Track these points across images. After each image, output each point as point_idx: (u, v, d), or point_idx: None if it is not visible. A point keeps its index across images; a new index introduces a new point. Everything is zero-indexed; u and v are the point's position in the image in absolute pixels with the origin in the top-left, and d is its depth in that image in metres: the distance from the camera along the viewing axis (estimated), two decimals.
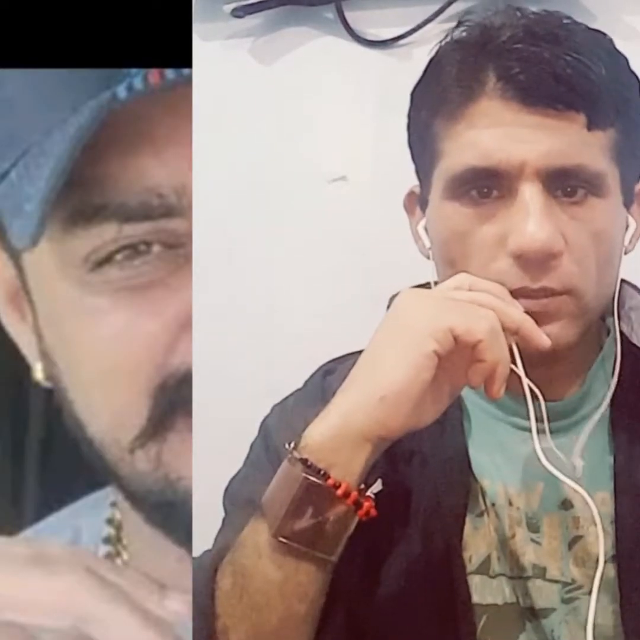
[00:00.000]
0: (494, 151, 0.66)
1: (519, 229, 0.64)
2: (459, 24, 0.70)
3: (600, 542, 0.64)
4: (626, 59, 0.70)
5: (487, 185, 0.67)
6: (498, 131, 0.66)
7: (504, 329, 0.61)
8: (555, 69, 0.64)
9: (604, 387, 0.72)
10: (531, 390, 0.66)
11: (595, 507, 0.65)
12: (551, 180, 0.65)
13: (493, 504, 0.70)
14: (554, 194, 0.66)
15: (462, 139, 0.67)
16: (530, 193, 0.65)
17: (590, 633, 0.63)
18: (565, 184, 0.66)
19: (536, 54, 0.65)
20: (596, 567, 0.64)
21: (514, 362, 0.64)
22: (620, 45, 0.70)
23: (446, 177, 0.68)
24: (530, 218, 0.64)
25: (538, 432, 0.66)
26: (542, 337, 0.63)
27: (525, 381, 0.65)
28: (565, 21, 0.69)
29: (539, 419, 0.67)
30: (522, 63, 0.65)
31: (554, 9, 0.70)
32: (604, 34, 0.70)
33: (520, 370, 0.65)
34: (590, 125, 0.65)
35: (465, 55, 0.68)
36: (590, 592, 0.66)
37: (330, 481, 0.60)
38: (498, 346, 0.60)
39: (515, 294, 0.65)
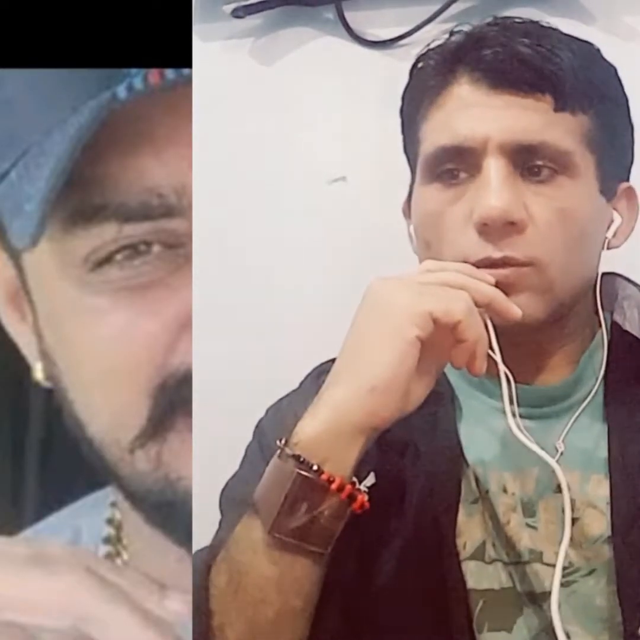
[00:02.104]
0: (460, 129, 0.69)
1: (480, 199, 0.67)
2: (451, 34, 0.73)
3: (567, 513, 0.66)
4: (614, 67, 0.73)
5: (456, 166, 0.69)
6: (466, 112, 0.69)
7: (477, 305, 0.62)
8: (522, 54, 0.68)
9: (596, 373, 0.73)
10: (508, 372, 0.68)
11: (564, 477, 0.66)
12: (516, 157, 0.68)
13: (487, 491, 0.71)
14: (520, 171, 0.68)
15: (434, 122, 0.71)
16: (493, 166, 0.67)
17: (556, 615, 0.63)
18: (530, 162, 0.68)
19: (506, 41, 0.69)
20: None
21: (489, 340, 0.65)
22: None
23: (421, 161, 0.72)
24: (491, 188, 0.67)
25: (522, 417, 0.68)
26: (513, 308, 0.64)
27: (498, 356, 0.66)
28: (547, 26, 0.72)
29: (526, 405, 0.69)
30: (491, 49, 0.69)
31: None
32: (591, 43, 0.72)
33: (496, 347, 0.65)
34: (557, 107, 0.68)
35: (444, 51, 0.73)
36: (588, 574, 0.67)
37: (324, 476, 0.60)
38: (476, 324, 0.61)
39: (479, 264, 0.66)
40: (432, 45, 0.74)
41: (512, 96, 0.68)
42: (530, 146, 0.67)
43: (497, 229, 0.66)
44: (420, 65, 0.75)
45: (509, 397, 0.67)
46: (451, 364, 0.64)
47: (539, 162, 0.68)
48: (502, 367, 0.67)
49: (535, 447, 0.66)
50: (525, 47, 0.68)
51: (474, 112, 0.69)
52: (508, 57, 0.68)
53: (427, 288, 0.62)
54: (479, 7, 1.04)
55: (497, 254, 0.67)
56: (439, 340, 0.61)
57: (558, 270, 0.68)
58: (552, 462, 0.67)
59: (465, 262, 0.67)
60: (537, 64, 0.67)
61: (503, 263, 0.67)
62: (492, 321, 0.65)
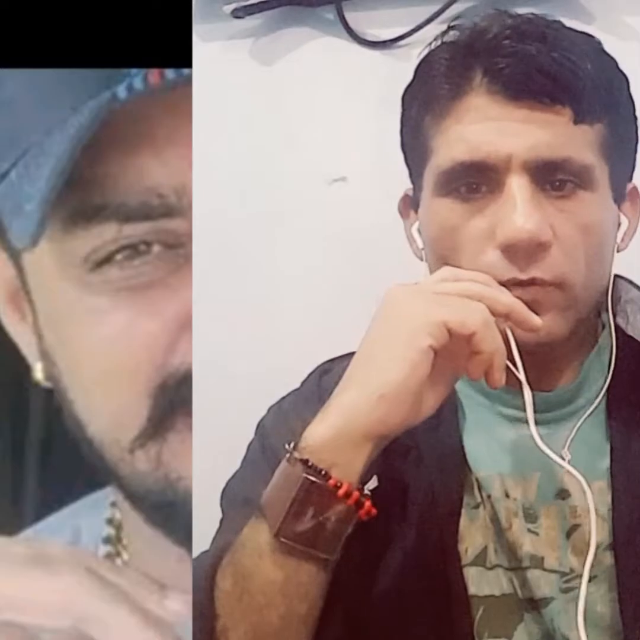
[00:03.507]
0: (481, 145, 0.67)
1: (507, 220, 0.65)
2: (449, 28, 0.72)
3: (592, 522, 0.65)
4: (615, 60, 0.71)
5: (475, 181, 0.67)
6: (485, 125, 0.67)
7: (496, 316, 0.61)
8: (541, 64, 0.65)
9: (599, 378, 0.73)
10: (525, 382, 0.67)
11: (586, 484, 0.66)
12: (539, 173, 0.66)
13: (489, 496, 0.70)
14: (542, 187, 0.66)
15: (450, 134, 0.69)
16: (517, 185, 0.65)
17: (582, 621, 0.63)
18: (553, 177, 0.66)
19: (522, 50, 0.66)
20: (587, 551, 0.65)
21: (510, 349, 0.64)
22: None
23: (436, 173, 0.69)
24: (518, 209, 0.65)
25: (526, 422, 0.67)
26: (534, 318, 0.63)
27: (521, 372, 0.66)
28: (553, 22, 0.70)
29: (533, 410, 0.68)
30: (508, 59, 0.66)
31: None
32: (592, 36, 0.71)
33: (517, 360, 0.65)
34: (577, 120, 0.66)
35: (453, 54, 0.70)
36: (589, 581, 0.66)
37: (331, 482, 0.60)
38: (492, 336, 0.61)
39: (505, 285, 0.65)
40: (434, 45, 0.72)
41: (532, 109, 0.66)
42: (554, 162, 0.66)
43: (524, 250, 0.65)
44: (426, 68, 0.72)
45: (527, 407, 0.66)
46: (468, 375, 0.63)
47: (562, 177, 0.66)
48: (523, 380, 0.66)
49: (556, 457, 0.66)
50: (543, 55, 0.65)
51: (494, 126, 0.66)
52: (527, 67, 0.65)
53: (444, 298, 0.61)
54: (479, 7, 1.03)
55: (523, 276, 0.66)
56: (454, 351, 0.61)
57: (582, 287, 0.68)
58: (575, 473, 0.66)
59: None
60: (557, 75, 0.65)
61: (529, 283, 0.66)
62: (513, 333, 0.64)
